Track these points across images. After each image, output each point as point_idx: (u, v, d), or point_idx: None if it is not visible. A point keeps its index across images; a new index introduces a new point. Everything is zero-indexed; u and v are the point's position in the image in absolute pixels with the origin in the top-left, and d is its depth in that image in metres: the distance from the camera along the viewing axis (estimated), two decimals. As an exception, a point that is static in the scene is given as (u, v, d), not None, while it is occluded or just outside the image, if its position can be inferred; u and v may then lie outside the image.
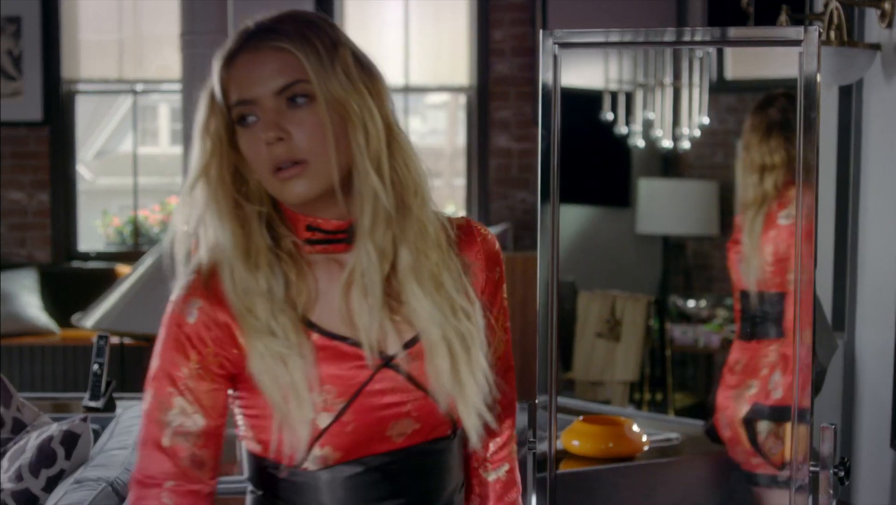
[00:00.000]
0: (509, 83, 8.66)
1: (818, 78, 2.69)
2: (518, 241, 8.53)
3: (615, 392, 7.26)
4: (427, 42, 8.89)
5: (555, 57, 3.07)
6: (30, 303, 8.07)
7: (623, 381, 7.23)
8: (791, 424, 2.87)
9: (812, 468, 2.77)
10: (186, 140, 6.61)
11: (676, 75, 7.17)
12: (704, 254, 8.68)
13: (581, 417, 4.34)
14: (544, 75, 3.09)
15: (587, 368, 7.38)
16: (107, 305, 6.56)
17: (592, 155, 8.94)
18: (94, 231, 8.96)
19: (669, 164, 8.91)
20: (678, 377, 7.45)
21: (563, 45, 3.01)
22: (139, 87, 8.90)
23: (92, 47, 8.76)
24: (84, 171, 10.50)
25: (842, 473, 2.76)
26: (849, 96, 4.74)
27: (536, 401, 3.02)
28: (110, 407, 4.51)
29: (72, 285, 8.34)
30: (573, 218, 9.28)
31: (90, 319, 6.52)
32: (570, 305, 7.79)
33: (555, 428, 3.16)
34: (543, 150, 3.04)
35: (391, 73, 8.80)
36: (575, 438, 4.22)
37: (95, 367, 4.53)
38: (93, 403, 4.54)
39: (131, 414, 4.08)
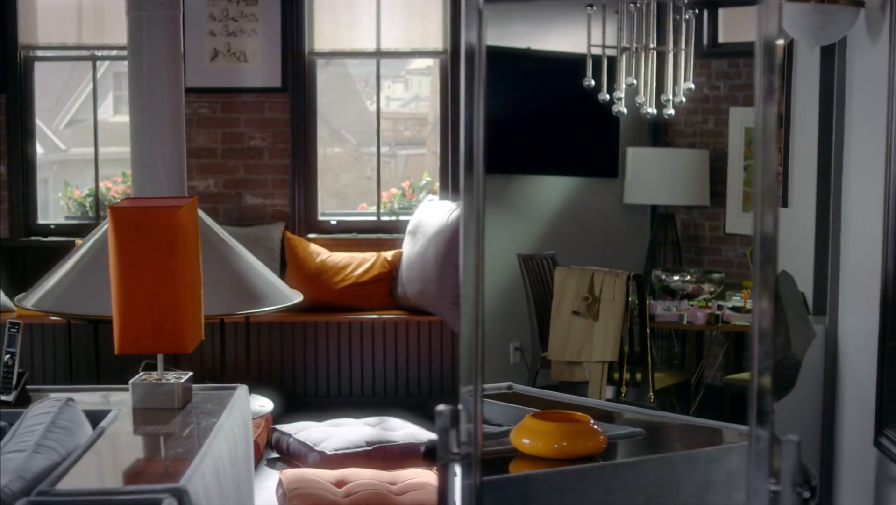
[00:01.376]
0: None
1: (779, 39, 2.31)
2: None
3: (593, 372, 6.96)
4: (400, 6, 8.51)
5: (479, 12, 2.67)
6: (-14, 280, 7.75)
7: (601, 360, 6.92)
8: (750, 429, 2.49)
9: (772, 487, 2.39)
10: (134, 107, 6.24)
11: (662, 40, 6.86)
12: (694, 224, 8.39)
13: (532, 413, 3.97)
14: (468, 34, 2.69)
15: (563, 347, 7.07)
16: (48, 284, 6.23)
17: (577, 124, 8.62)
18: (58, 204, 8.59)
19: (659, 132, 8.64)
20: (660, 356, 7.11)
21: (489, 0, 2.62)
22: (100, 53, 8.50)
23: (50, 11, 8.37)
24: (57, 141, 10.15)
25: (806, 494, 2.39)
26: (831, 58, 4.36)
27: (463, 390, 2.65)
28: (24, 401, 4.14)
29: (30, 261, 8.02)
30: (557, 189, 8.96)
31: (30, 300, 6.18)
32: (546, 281, 7.49)
33: (479, 425, 2.78)
34: (467, 118, 2.65)
35: (363, 37, 8.44)
36: (525, 436, 3.85)
37: (7, 357, 4.16)
38: (3, 397, 4.17)
39: (38, 411, 3.72)
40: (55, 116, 9.88)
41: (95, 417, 4.03)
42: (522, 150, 8.81)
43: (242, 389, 4.43)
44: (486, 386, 4.96)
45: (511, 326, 8.42)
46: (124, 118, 9.33)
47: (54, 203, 8.71)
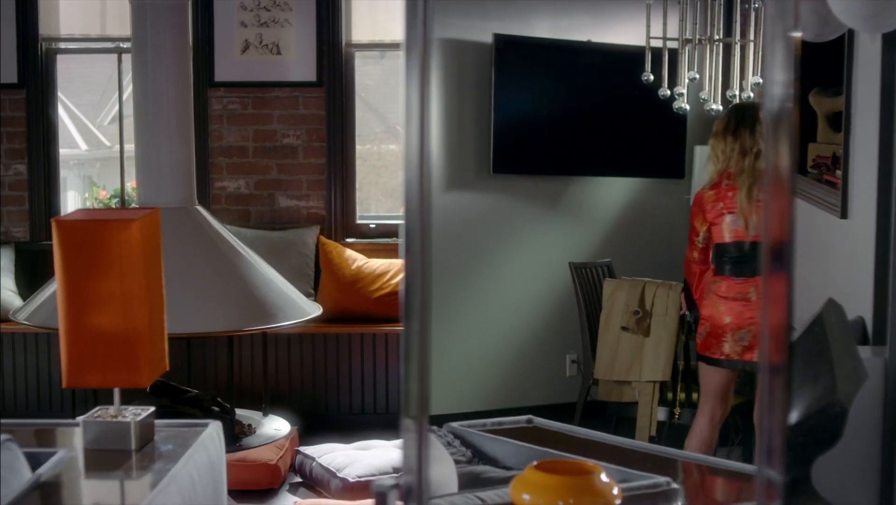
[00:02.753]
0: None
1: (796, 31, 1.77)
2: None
3: (643, 393, 6.41)
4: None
5: (424, 2, 2.11)
6: (2, 285, 7.31)
7: (651, 380, 6.37)
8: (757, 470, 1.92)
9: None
10: (139, 104, 5.74)
11: (728, 31, 6.35)
12: (765, 229, 7.74)
13: (535, 463, 3.40)
14: (409, 27, 2.13)
15: (612, 365, 6.53)
16: (43, 296, 5.78)
17: (640, 121, 8.07)
18: (85, 205, 8.16)
19: (728, 129, 8.07)
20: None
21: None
22: (126, 45, 8.02)
23: (72, 1, 7.92)
24: (102, 137, 9.76)
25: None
26: (894, 49, 3.74)
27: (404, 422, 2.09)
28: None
29: (51, 265, 7.54)
30: (618, 192, 8.43)
31: (23, 313, 5.72)
32: (599, 291, 6.96)
33: (425, 464, 2.21)
34: (407, 116, 2.10)
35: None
36: (525, 490, 3.28)
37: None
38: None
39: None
40: (100, 111, 9.48)
41: (39, 460, 3.53)
42: (581, 150, 8.28)
43: (214, 427, 3.91)
44: (502, 420, 4.42)
45: (567, 337, 7.91)
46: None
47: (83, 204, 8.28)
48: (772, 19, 1.87)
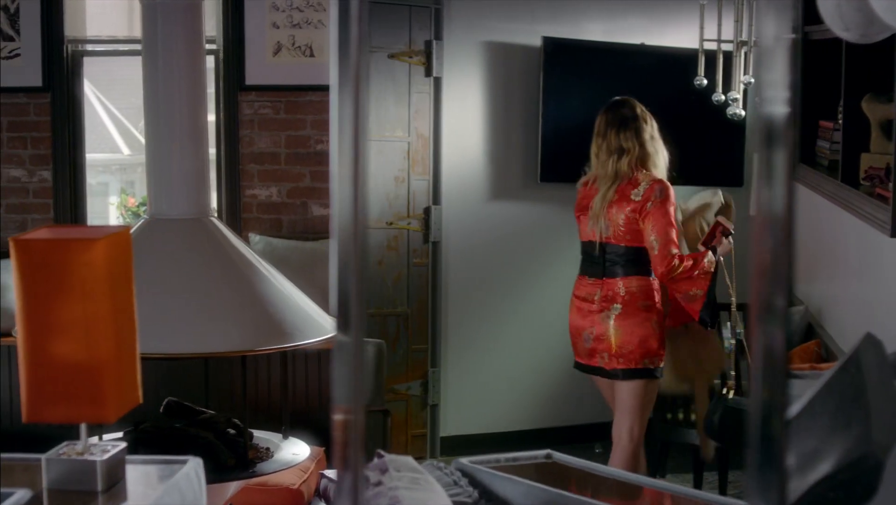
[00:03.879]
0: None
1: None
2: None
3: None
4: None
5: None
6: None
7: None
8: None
9: None
10: (149, 110, 5.44)
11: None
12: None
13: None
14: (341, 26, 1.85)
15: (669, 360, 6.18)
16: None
17: (697, 127, 7.71)
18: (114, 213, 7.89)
19: (789, 135, 7.69)
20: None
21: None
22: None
23: (98, 3, 7.64)
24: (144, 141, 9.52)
25: None
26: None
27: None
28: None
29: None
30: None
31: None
32: None
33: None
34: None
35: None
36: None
37: None
38: None
39: None
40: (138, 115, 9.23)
41: (-4, 502, 3.21)
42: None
43: (194, 463, 3.57)
44: (518, 455, 4.05)
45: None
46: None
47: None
48: (766, 16, 1.54)
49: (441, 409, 7.79)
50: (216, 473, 5.30)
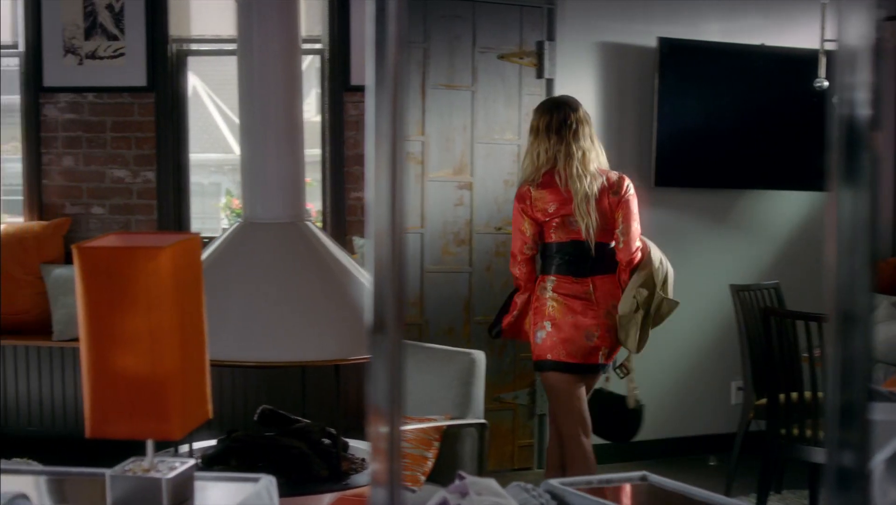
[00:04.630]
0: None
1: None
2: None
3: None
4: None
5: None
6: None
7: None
8: None
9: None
10: (243, 110, 5.30)
11: None
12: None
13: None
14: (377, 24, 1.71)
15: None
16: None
17: (815, 130, 7.42)
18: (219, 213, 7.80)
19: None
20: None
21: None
22: (260, 47, 7.62)
23: (203, 1, 7.55)
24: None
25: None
26: None
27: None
28: (-17, 489, 3.21)
29: (177, 279, 7.18)
30: (793, 207, 7.81)
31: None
32: (758, 317, 6.39)
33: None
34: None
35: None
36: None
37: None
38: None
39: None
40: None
41: (57, 519, 3.09)
42: (752, 162, 7.67)
43: (265, 483, 3.41)
44: (611, 477, 3.82)
45: (735, 362, 7.31)
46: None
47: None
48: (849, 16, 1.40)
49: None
50: (309, 485, 5.17)
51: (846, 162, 1.43)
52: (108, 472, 3.22)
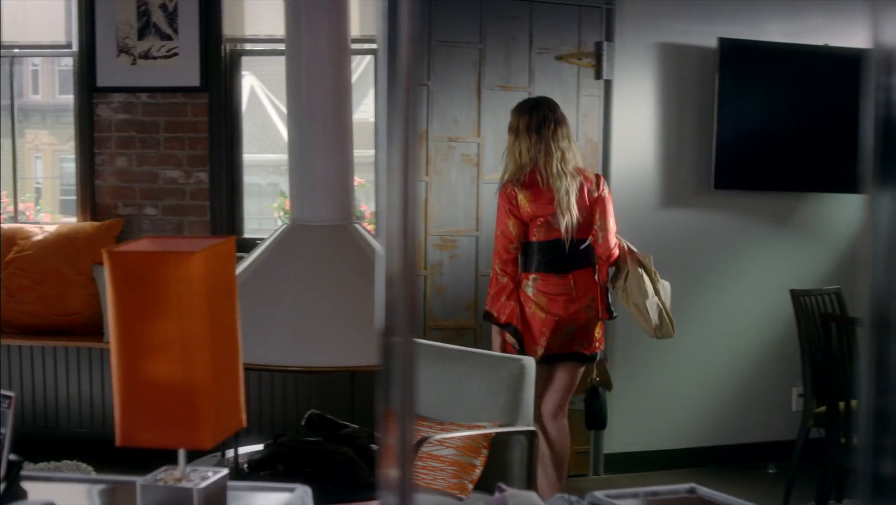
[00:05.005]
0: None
1: None
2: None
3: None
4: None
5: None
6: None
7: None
8: None
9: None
10: (292, 104, 5.23)
11: None
12: None
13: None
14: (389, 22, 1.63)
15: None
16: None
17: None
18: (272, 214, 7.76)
19: None
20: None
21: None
22: (315, 47, 7.54)
23: (257, 1, 7.49)
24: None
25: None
26: None
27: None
28: (12, 495, 3.16)
29: (228, 281, 7.13)
30: (854, 211, 7.60)
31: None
32: (818, 322, 6.25)
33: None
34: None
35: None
36: None
37: (-4, 439, 3.19)
38: (-11, 492, 3.20)
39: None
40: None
41: (87, 528, 3.03)
42: (815, 164, 7.51)
43: (300, 493, 3.34)
44: (658, 489, 3.72)
45: (796, 368, 7.17)
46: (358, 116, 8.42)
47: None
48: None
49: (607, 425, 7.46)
50: (355, 491, 5.10)
51: (882, 164, 1.37)
52: (138, 480, 3.16)
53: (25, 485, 3.31)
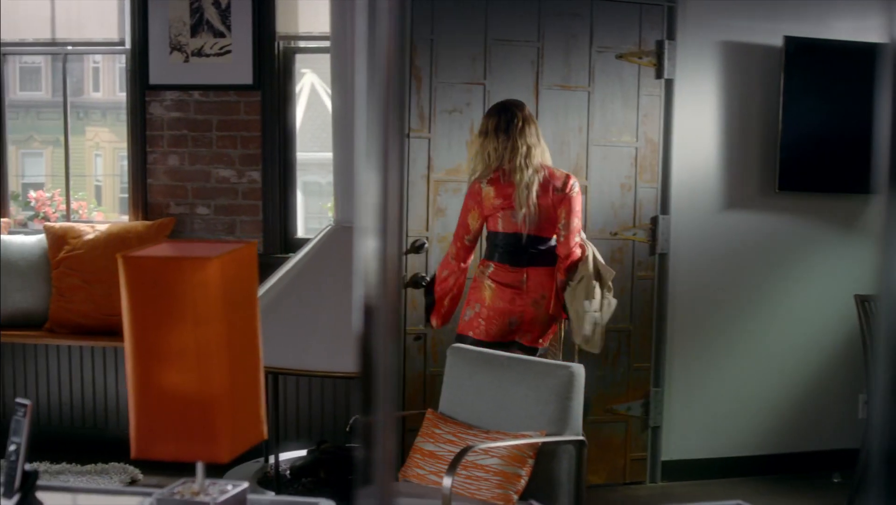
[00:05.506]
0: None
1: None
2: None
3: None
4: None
5: None
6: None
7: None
8: None
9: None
10: (336, 103, 5.12)
11: None
12: None
13: None
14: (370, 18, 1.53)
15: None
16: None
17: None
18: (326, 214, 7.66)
19: None
20: None
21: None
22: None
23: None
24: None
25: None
26: None
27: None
28: (28, 508, 3.07)
29: (280, 280, 7.06)
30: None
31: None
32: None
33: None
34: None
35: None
36: None
37: (12, 447, 3.09)
38: (3, 502, 3.11)
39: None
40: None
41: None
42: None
43: (325, 506, 3.22)
44: (703, 506, 3.56)
45: (859, 375, 6.97)
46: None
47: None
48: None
49: (663, 431, 7.30)
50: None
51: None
52: (155, 493, 3.06)
53: (41, 495, 3.21)
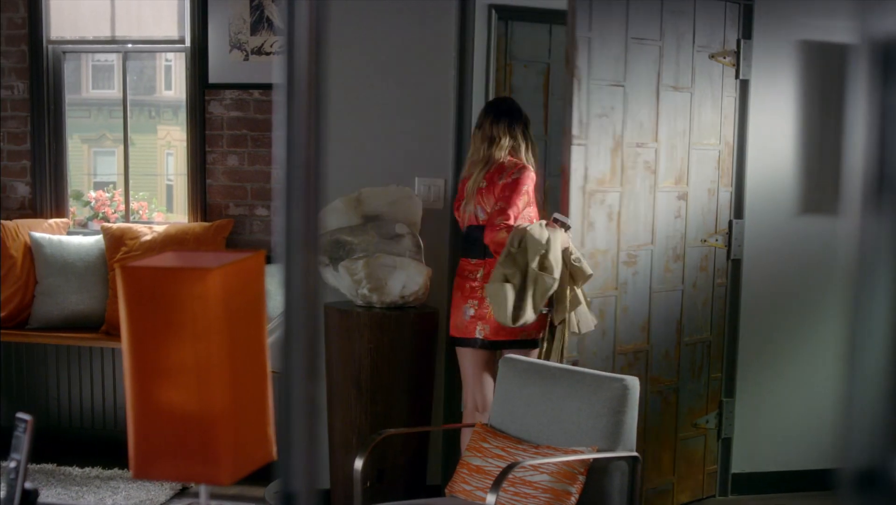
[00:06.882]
0: None
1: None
2: None
3: None
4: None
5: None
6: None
7: None
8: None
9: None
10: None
11: None
12: None
13: None
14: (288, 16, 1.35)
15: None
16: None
17: None
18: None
19: None
20: None
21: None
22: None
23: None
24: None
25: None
26: None
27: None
28: (28, 528, 2.93)
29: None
30: None
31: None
32: None
33: None
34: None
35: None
36: None
37: (12, 464, 2.96)
38: (3, 522, 2.98)
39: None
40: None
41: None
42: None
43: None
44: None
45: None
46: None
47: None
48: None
49: (735, 443, 7.03)
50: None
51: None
52: (156, 516, 2.89)
53: (42, 515, 3.07)
